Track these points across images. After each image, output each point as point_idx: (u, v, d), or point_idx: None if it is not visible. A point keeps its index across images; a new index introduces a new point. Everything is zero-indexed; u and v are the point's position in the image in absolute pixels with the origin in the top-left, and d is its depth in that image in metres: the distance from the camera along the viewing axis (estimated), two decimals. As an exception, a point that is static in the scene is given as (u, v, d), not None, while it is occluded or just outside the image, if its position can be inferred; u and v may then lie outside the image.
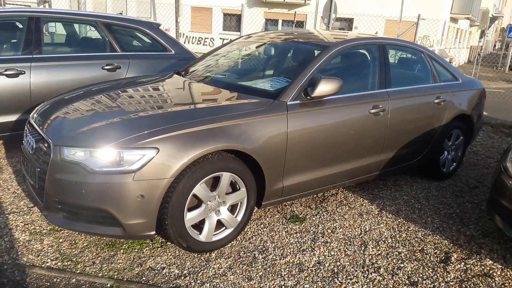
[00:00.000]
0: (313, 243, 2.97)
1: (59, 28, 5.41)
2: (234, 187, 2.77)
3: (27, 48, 4.16)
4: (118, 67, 4.61)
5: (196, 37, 21.62)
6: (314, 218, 3.35)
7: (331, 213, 3.48)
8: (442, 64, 4.43)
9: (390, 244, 3.07)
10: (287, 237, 3.01)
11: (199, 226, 2.66)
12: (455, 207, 3.86)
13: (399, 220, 3.48)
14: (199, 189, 2.52)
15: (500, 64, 25.31)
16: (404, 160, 3.97)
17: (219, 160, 2.56)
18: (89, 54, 4.55)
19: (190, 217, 2.54)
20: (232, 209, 2.81)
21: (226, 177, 2.62)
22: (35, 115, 2.96)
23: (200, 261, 2.65)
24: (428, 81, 4.19)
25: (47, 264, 2.53)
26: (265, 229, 3.10)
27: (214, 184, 2.67)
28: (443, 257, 2.98)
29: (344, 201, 3.74)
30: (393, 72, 3.82)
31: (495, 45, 43.65)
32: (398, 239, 3.16)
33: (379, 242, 3.08)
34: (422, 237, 3.22)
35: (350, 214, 3.49)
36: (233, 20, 21.14)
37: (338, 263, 2.76)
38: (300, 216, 3.37)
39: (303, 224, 3.24)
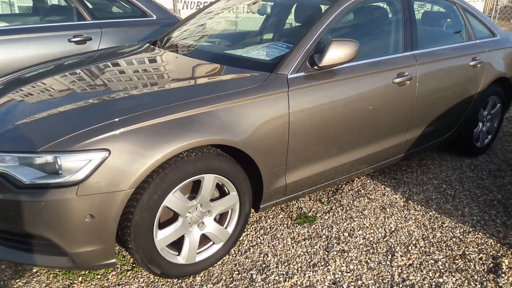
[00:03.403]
0: (326, 253, 2.36)
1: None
2: (222, 190, 2.15)
3: (-23, 20, 3.47)
4: (89, 39, 3.90)
5: (194, 1, 20.46)
6: (326, 217, 2.73)
7: (347, 208, 2.85)
8: (477, 17, 3.65)
9: (423, 249, 2.45)
10: (293, 247, 2.40)
11: (178, 243, 2.06)
12: (495, 191, 3.20)
13: (431, 213, 2.84)
14: (172, 199, 1.89)
15: (518, 17, 23.85)
16: (434, 137, 3.29)
17: (198, 159, 1.92)
18: (52, 24, 3.84)
19: (163, 236, 1.93)
20: (221, 218, 2.19)
21: (209, 180, 1.99)
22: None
23: None
24: (462, 39, 3.44)
25: (-15, 300, 1.97)
26: (265, 236, 2.49)
27: (195, 188, 2.04)
28: (491, 265, 2.36)
29: (362, 191, 3.10)
30: (419, 30, 3.08)
31: (511, -3, 41.39)
32: (432, 241, 2.53)
33: (409, 247, 2.46)
34: (461, 236, 2.59)
35: (370, 209, 2.86)
36: (233, -18, 19.89)
37: (359, 282, 2.15)
38: (309, 214, 2.75)
39: (313, 225, 2.62)
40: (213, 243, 2.16)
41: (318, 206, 2.85)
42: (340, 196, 3.01)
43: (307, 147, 2.36)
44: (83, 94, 2.05)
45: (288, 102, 2.21)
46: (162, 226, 1.95)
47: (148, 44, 3.08)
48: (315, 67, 2.34)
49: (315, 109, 2.32)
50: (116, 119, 1.78)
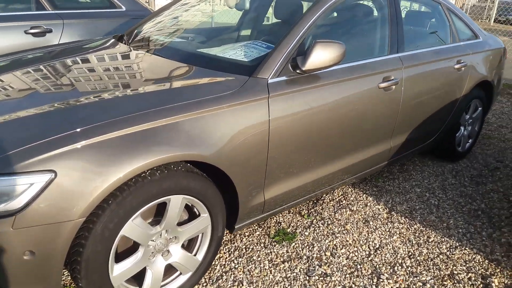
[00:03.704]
0: (307, 278, 2.14)
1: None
2: (191, 212, 1.88)
3: None
4: (48, 31, 3.53)
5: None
6: (306, 233, 2.51)
7: (328, 222, 2.64)
8: (461, 17, 3.51)
9: (409, 269, 2.27)
10: (271, 272, 2.17)
11: (140, 275, 1.78)
12: (478, 200, 3.08)
13: (415, 226, 2.68)
14: (132, 227, 1.61)
15: (485, 16, 24.35)
16: (417, 142, 3.13)
17: (163, 178, 1.64)
18: (6, 14, 3.44)
19: (120, 271, 1.65)
20: (190, 243, 1.93)
21: (176, 202, 1.72)
22: None
23: (144, 323, 1.79)
24: (447, 40, 3.28)
25: None
26: (240, 259, 2.24)
27: (159, 211, 1.77)
28: (481, 285, 2.21)
29: (343, 201, 2.91)
30: (404, 31, 2.89)
31: (478, -5, 42.38)
32: (418, 259, 2.36)
33: (396, 268, 2.28)
34: (448, 253, 2.44)
35: (352, 222, 2.66)
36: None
37: (344, 312, 1.95)
38: (288, 230, 2.52)
39: (293, 244, 2.40)
40: (181, 274, 1.89)
41: (298, 220, 2.63)
42: (320, 207, 2.80)
43: (288, 158, 2.12)
44: (34, 101, 1.73)
45: (268, 110, 1.96)
46: (119, 258, 1.67)
47: (113, 39, 2.75)
48: (298, 71, 2.11)
49: (297, 116, 2.08)
50: (78, 129, 1.49)
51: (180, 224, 1.82)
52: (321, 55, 2.05)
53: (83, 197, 1.44)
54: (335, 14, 2.54)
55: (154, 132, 1.61)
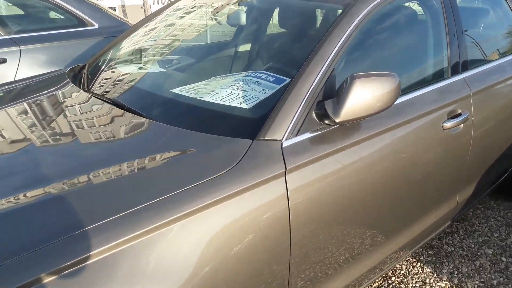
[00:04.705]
0: None
1: None
2: None
3: None
4: (2, 61, 2.85)
5: None
6: None
7: (378, 321, 1.86)
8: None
9: None
10: None
11: None
12: None
13: (502, 318, 1.88)
14: None
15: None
16: (485, 187, 2.34)
17: None
18: None
19: None
20: None
21: None
22: None
23: None
24: (514, 45, 2.47)
25: None
26: None
27: None
28: None
29: (392, 278, 2.12)
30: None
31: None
32: None
33: None
34: None
35: (412, 319, 1.88)
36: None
37: None
38: None
39: None
40: None
41: (334, 320, 1.86)
42: (363, 294, 2.01)
43: (320, 255, 1.37)
44: None
45: (286, 191, 1.21)
46: None
47: (65, 79, 1.98)
48: (327, 122, 1.34)
49: (329, 182, 1.32)
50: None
51: None
52: (364, 97, 1.29)
53: None
54: (373, 27, 1.76)
55: (90, 271, 0.87)
